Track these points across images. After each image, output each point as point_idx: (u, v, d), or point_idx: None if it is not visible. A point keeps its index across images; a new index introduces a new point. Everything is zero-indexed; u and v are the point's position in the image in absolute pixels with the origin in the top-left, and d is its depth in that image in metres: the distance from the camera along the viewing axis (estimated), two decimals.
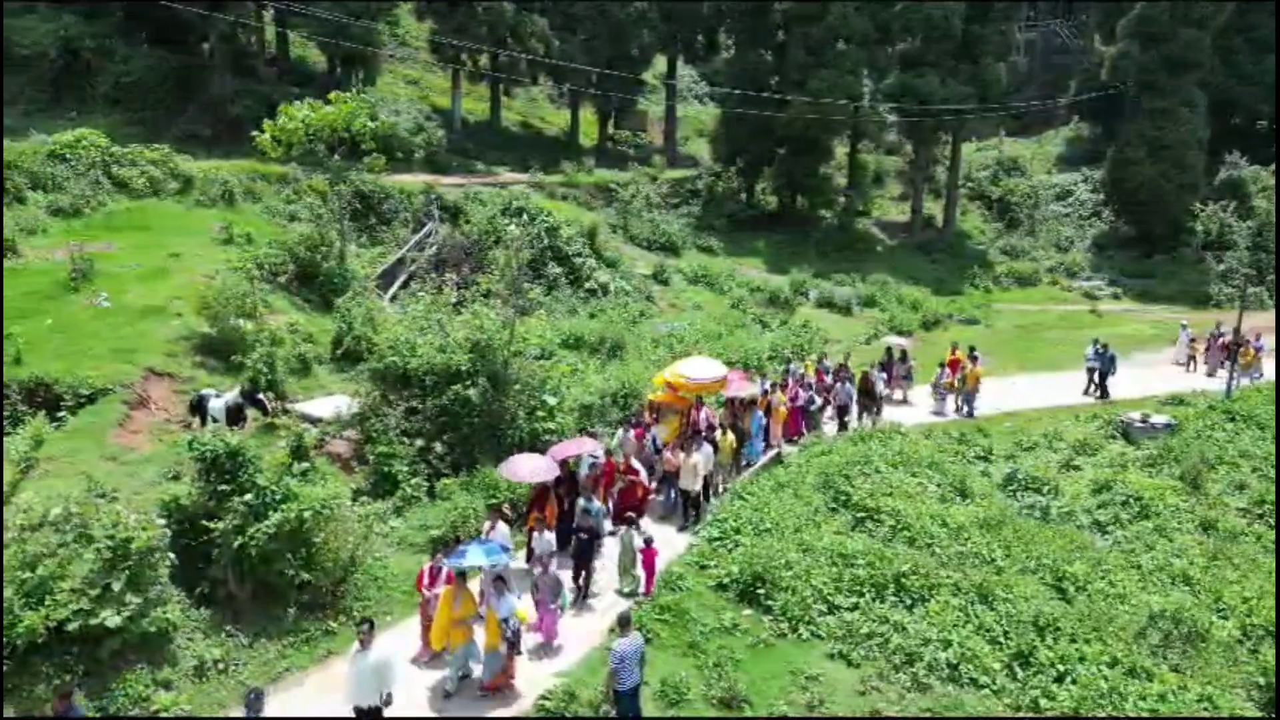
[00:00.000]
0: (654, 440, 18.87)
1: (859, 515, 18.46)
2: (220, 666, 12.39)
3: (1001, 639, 14.48)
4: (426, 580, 13.22)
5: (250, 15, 40.00)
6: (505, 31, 44.74)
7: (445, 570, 13.03)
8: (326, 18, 37.92)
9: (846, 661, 13.96)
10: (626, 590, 15.20)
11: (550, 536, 14.85)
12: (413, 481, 17.26)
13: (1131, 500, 20.11)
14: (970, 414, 25.60)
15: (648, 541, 15.07)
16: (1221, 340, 29.85)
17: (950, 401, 26.14)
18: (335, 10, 38.33)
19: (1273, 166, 46.64)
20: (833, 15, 44.02)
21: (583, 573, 15.08)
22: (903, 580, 15.65)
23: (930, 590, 15.56)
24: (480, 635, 12.62)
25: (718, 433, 19.26)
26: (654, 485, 18.40)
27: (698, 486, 17.67)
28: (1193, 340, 31.51)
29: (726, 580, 15.49)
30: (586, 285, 32.60)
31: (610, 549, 15.90)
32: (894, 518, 18.17)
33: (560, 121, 54.83)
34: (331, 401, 19.64)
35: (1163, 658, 14.50)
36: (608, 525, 16.49)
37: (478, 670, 12.65)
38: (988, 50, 45.84)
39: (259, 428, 18.11)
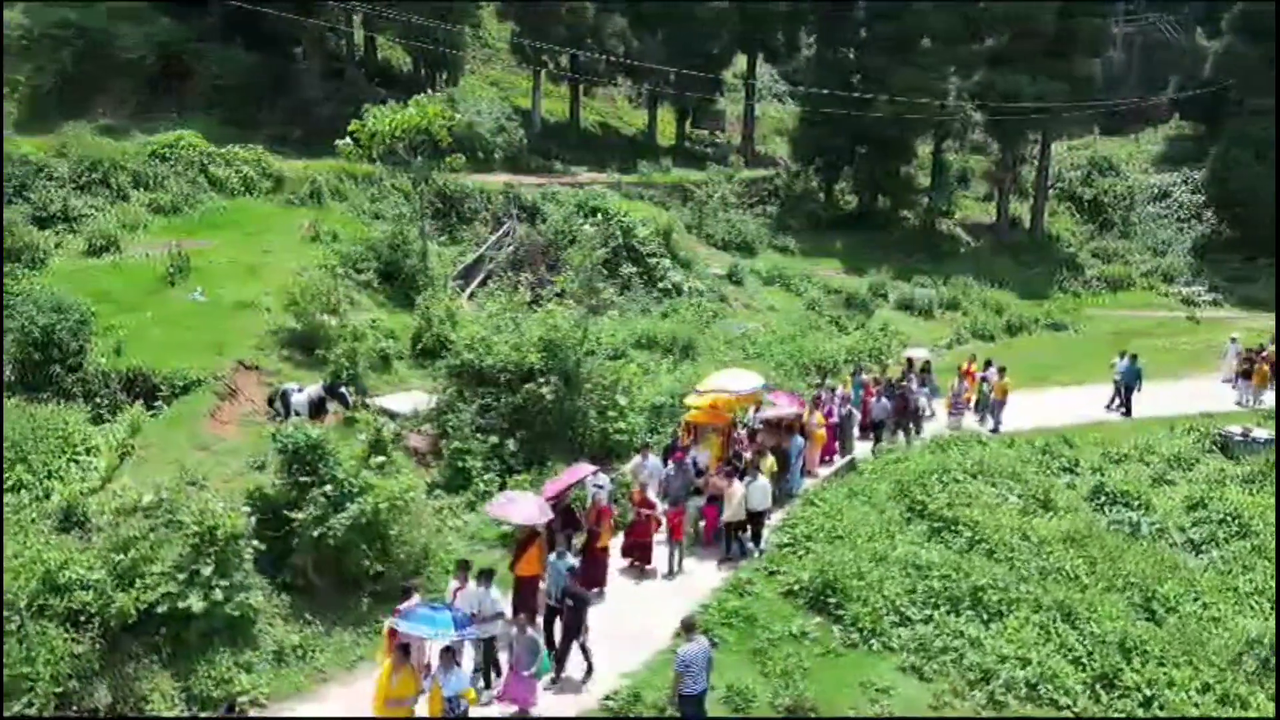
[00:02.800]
0: (694, 462, 17.59)
1: (935, 525, 17.99)
2: (299, 653, 12.78)
3: (1084, 659, 13.95)
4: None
5: (339, 20, 41.21)
6: (585, 32, 45.07)
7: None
8: (411, 21, 38.73)
9: (919, 676, 13.64)
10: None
11: (496, 594, 12.54)
12: (486, 477, 17.52)
13: (1229, 518, 19.14)
14: (996, 429, 23.90)
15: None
16: (1256, 355, 27.91)
17: (969, 417, 24.30)
18: (419, 12, 39.18)
19: None
20: (915, 12, 43.05)
21: (571, 645, 12.81)
22: (979, 594, 15.22)
23: (1009, 606, 15.09)
24: (422, 707, 10.93)
25: (767, 459, 17.56)
26: (698, 510, 17.07)
27: (737, 517, 16.39)
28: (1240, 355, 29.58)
29: (796, 587, 15.29)
30: (660, 285, 32.54)
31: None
32: (972, 529, 17.65)
33: (638, 122, 54.95)
34: (410, 397, 20.06)
35: (1259, 685, 13.77)
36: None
37: None
38: (1081, 46, 44.23)
39: (340, 422, 18.63)
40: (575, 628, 12.66)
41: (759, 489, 16.39)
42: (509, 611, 12.58)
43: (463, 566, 12.79)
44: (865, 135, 44.65)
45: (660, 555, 16.30)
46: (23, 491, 14.95)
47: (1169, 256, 45.37)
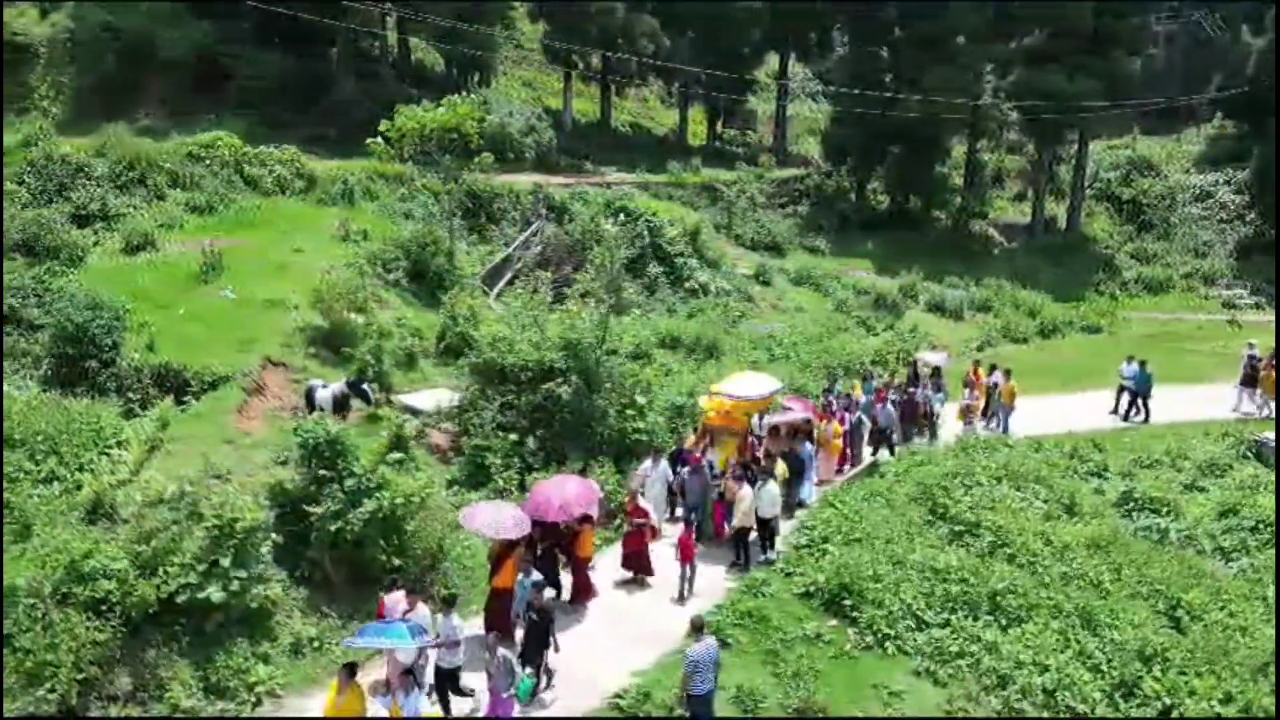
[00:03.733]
0: (711, 466, 17.32)
1: (957, 529, 17.79)
2: (315, 645, 12.99)
3: (1104, 667, 13.75)
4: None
5: (375, 23, 41.77)
6: (616, 32, 45.19)
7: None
8: (440, 24, 39.11)
9: (934, 680, 13.53)
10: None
11: (456, 621, 12.18)
12: (505, 474, 17.64)
13: (1260, 525, 18.71)
14: (1004, 433, 23.35)
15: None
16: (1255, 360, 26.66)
17: (976, 424, 23.61)
18: (447, 13, 39.54)
19: None
20: (949, 10, 42.60)
21: (544, 656, 12.46)
22: (998, 599, 15.05)
23: (1028, 611, 14.90)
24: None
25: (779, 465, 17.31)
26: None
27: (746, 523, 15.93)
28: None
29: (812, 589, 15.23)
30: (687, 285, 32.57)
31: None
32: (994, 533, 17.42)
33: (670, 121, 55.00)
34: (433, 394, 20.29)
35: None
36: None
37: None
38: (1121, 44, 43.46)
39: (364, 418, 18.89)
40: (541, 641, 12.34)
41: (769, 495, 15.95)
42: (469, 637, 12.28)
43: (394, 582, 12.55)
44: (898, 134, 44.25)
45: (669, 573, 15.47)
46: (55, 483, 15.39)
47: (1210, 258, 44.44)
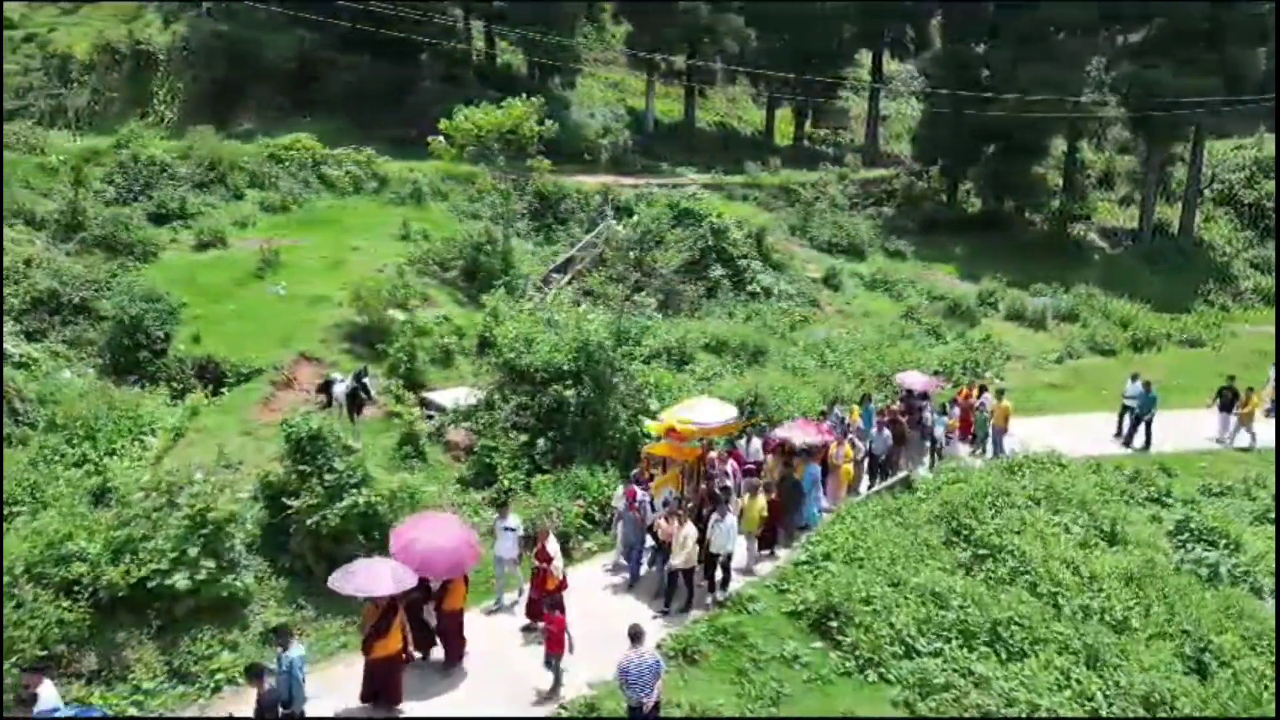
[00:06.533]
0: (648, 503, 15.37)
1: (980, 552, 16.79)
2: None
3: (1103, 711, 12.69)
4: None
5: (461, 28, 42.81)
6: (699, 32, 44.81)
7: None
8: (517, 31, 39.69)
9: (910, 712, 12.78)
10: None
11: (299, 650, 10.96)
12: (511, 475, 17.69)
13: None
14: (997, 456, 21.65)
15: None
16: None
17: (958, 445, 22.11)
18: (526, 15, 40.11)
19: None
20: (1048, 4, 40.33)
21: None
22: (1000, 630, 14.11)
23: (1032, 645, 13.93)
24: None
25: (744, 498, 15.85)
26: (645, 559, 15.31)
27: (688, 564, 14.31)
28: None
29: (801, 608, 14.65)
30: (749, 288, 31.98)
31: None
32: (1018, 559, 16.38)
33: (758, 120, 54.19)
34: (456, 392, 20.56)
35: None
36: None
37: None
38: (1239, 35, 40.16)
39: (386, 414, 19.36)
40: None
41: (724, 529, 14.47)
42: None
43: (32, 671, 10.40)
44: (993, 133, 42.20)
45: (530, 663, 12.91)
46: (86, 465, 16.38)
47: None
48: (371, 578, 11.58)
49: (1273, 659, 14.10)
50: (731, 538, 14.67)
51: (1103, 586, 15.71)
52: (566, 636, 12.19)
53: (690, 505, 15.68)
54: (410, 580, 11.86)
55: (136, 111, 38.20)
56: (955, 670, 13.35)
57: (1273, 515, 19.31)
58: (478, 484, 17.84)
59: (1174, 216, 44.85)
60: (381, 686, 11.83)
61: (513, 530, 14.32)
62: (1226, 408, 23.97)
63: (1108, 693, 12.94)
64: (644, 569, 15.50)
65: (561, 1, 41.95)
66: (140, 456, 16.66)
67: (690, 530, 14.24)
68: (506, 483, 17.60)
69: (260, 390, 19.24)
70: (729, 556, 14.83)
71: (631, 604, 14.94)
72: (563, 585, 13.48)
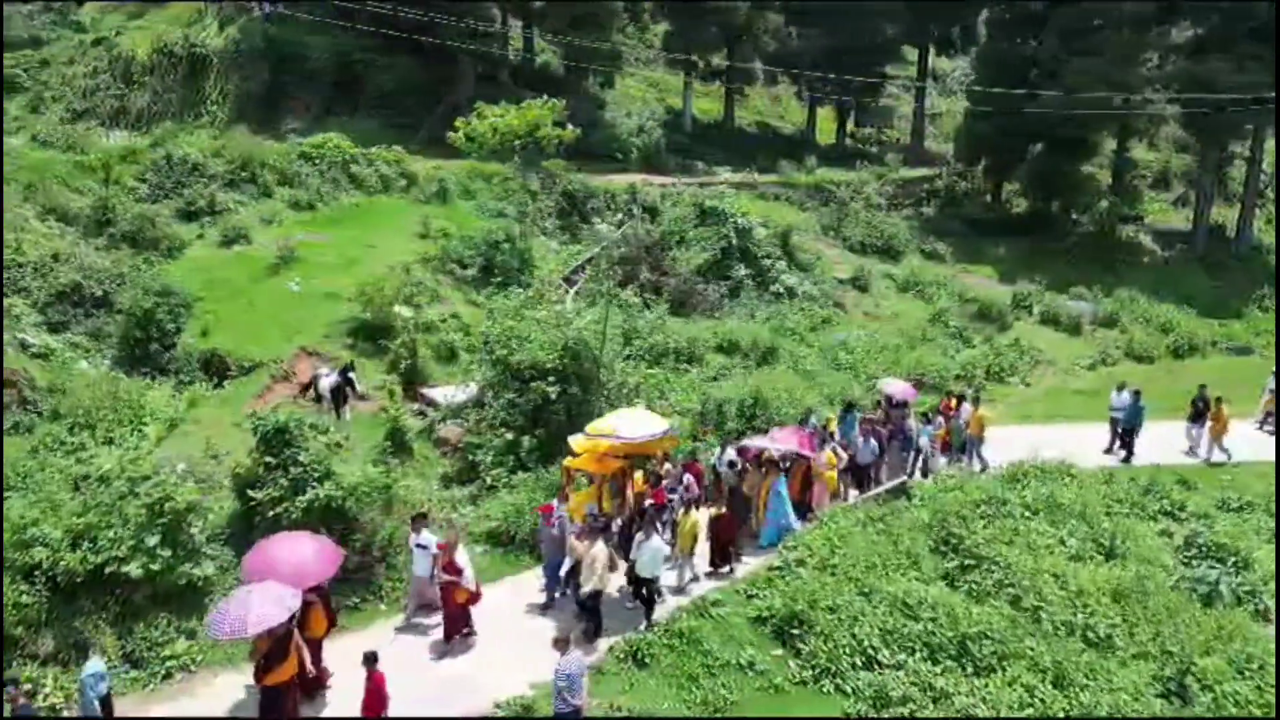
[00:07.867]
0: (565, 519, 14.50)
1: (966, 563, 16.25)
2: None
3: None
4: None
5: (499, 27, 43.22)
6: (737, 30, 44.41)
7: None
8: (554, 35, 39.86)
9: None
10: None
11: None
12: (494, 472, 17.76)
13: None
14: (983, 469, 20.60)
15: None
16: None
17: (939, 457, 20.90)
18: (567, 14, 40.23)
19: None
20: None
21: None
22: (969, 644, 13.63)
23: (1000, 660, 13.43)
24: None
25: (689, 518, 15.05)
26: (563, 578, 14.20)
27: (599, 587, 13.37)
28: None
29: (766, 614, 14.37)
30: (772, 289, 31.57)
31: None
32: (1004, 570, 15.82)
33: (802, 120, 53.50)
34: (451, 389, 20.72)
35: None
36: None
37: None
38: None
39: (380, 409, 19.60)
40: None
41: (649, 550, 13.54)
42: None
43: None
44: (1040, 132, 40.94)
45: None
46: (81, 453, 16.94)
47: None
48: (266, 606, 10.76)
49: (1260, 684, 13.33)
50: (658, 561, 13.69)
51: (1088, 602, 15.08)
52: (385, 697, 10.98)
53: (619, 522, 15.10)
54: (297, 598, 11.25)
55: (192, 112, 39.43)
56: (915, 684, 12.95)
57: None
58: (461, 480, 17.95)
59: (1231, 218, 42.90)
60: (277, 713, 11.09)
61: (424, 548, 13.58)
62: (1197, 418, 22.65)
63: (1071, 712, 12.38)
64: (558, 590, 14.50)
65: (601, 1, 41.93)
66: (136, 446, 17.18)
67: (599, 551, 13.22)
68: (489, 480, 17.68)
69: (258, 383, 19.67)
70: (655, 580, 13.86)
71: (545, 625, 13.96)
72: (474, 598, 12.99)
